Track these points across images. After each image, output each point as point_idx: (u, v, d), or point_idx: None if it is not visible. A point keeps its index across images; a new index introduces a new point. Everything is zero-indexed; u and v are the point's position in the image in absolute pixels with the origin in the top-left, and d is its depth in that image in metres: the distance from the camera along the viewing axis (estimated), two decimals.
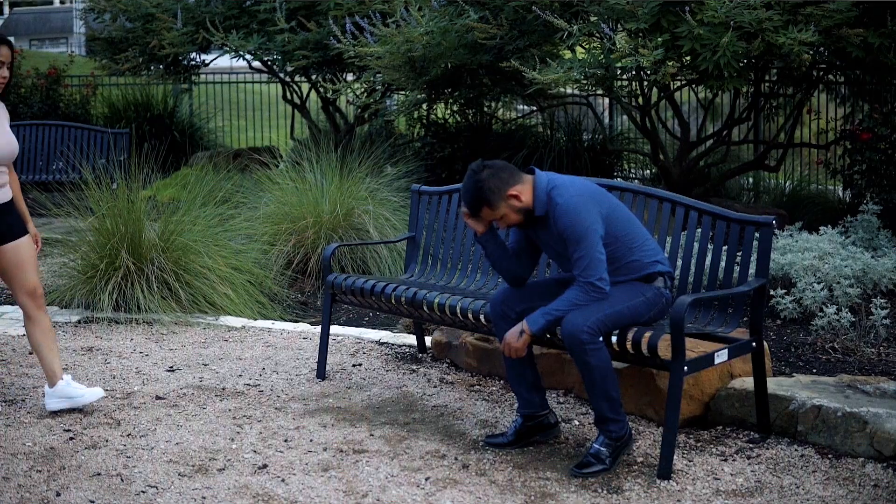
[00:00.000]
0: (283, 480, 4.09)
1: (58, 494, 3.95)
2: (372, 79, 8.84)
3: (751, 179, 10.10)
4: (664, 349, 4.07)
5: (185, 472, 4.18)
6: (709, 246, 4.75)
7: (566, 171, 8.09)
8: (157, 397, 5.12)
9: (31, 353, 5.76)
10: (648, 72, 7.22)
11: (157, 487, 4.02)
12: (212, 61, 11.51)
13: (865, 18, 6.75)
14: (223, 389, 5.26)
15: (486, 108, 10.73)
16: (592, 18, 7.23)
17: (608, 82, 7.62)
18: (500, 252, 4.38)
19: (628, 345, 4.14)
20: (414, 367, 5.60)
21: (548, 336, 4.32)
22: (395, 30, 7.62)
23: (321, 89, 10.35)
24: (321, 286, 6.99)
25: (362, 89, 9.42)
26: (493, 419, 4.77)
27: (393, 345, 6.06)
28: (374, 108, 9.69)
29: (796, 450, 4.31)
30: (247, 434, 4.60)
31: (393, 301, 5.09)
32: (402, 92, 9.13)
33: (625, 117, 10.59)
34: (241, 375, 5.50)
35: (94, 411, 4.87)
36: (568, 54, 7.80)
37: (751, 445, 4.38)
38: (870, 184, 7.76)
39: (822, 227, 6.73)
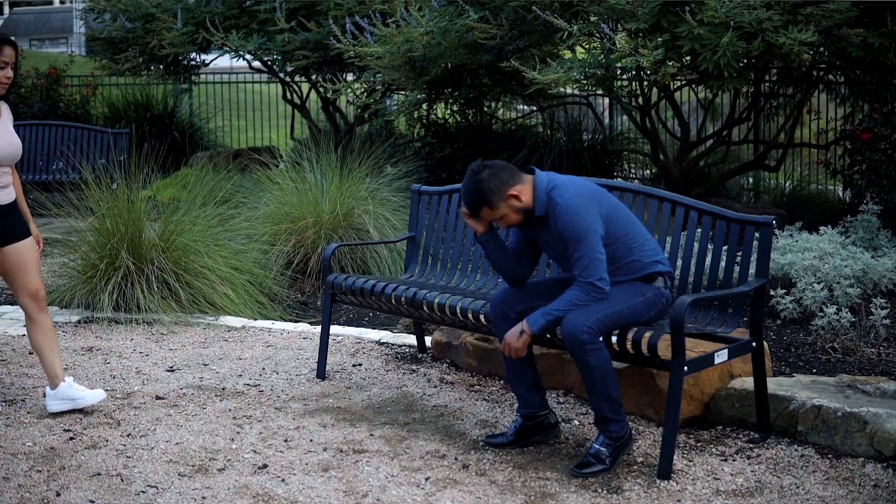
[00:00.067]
0: (283, 480, 4.09)
1: (58, 494, 3.95)
2: (372, 79, 8.84)
3: (751, 179, 10.10)
4: (664, 349, 4.07)
5: (185, 472, 4.18)
6: (709, 246, 4.75)
7: (566, 171, 8.09)
8: (157, 397, 5.12)
9: (31, 353, 5.76)
10: (648, 72, 7.23)
11: (157, 487, 4.02)
12: (212, 61, 11.51)
13: (865, 18, 6.75)
14: (223, 389, 5.26)
15: (486, 108, 10.73)
16: (592, 18, 7.23)
17: (608, 82, 7.61)
18: (500, 252, 4.38)
19: (628, 345, 4.15)
20: (414, 367, 5.60)
21: (548, 336, 4.32)
22: (395, 30, 7.62)
23: (321, 89, 10.35)
24: (321, 286, 6.99)
25: (362, 89, 9.42)
26: (493, 419, 4.77)
27: (393, 345, 6.06)
28: (374, 108, 9.69)
29: (796, 450, 4.31)
30: (247, 434, 4.60)
31: (393, 301, 5.09)
32: (402, 92, 9.13)
33: (625, 117, 10.59)
34: (241, 375, 5.50)
35: (94, 411, 4.87)
36: (568, 54, 7.80)
37: (751, 445, 4.38)
38: (870, 184, 7.76)
39: (822, 227, 6.73)
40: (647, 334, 4.11)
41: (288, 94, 11.25)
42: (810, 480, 4.03)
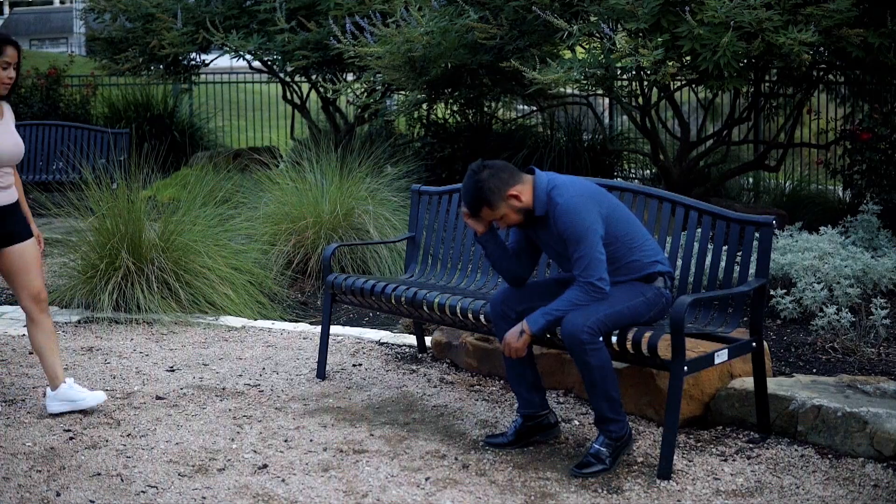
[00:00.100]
0: (283, 480, 4.09)
1: (58, 494, 3.95)
2: (372, 79, 8.84)
3: (751, 179, 10.10)
4: (664, 349, 4.07)
5: (185, 472, 4.18)
6: (709, 246, 4.75)
7: (566, 171, 8.09)
8: (157, 397, 5.12)
9: (31, 353, 5.76)
10: (648, 72, 7.22)
11: (157, 487, 4.02)
12: (212, 61, 11.51)
13: (865, 18, 6.75)
14: (223, 389, 5.26)
15: (486, 108, 10.73)
16: (592, 18, 7.23)
17: (608, 82, 7.61)
18: (500, 252, 4.38)
19: (628, 345, 4.15)
20: (414, 367, 5.60)
21: (548, 336, 4.32)
22: (395, 30, 7.62)
23: (321, 89, 10.35)
24: (321, 286, 6.99)
25: (362, 89, 9.42)
26: (493, 419, 4.77)
27: (393, 345, 6.06)
28: (374, 108, 9.68)
29: (796, 450, 4.31)
30: (247, 434, 4.60)
31: (393, 301, 5.09)
32: (402, 92, 9.13)
33: (625, 117, 10.58)
34: (241, 375, 5.50)
35: (94, 411, 4.86)
36: (568, 54, 7.80)
37: (751, 445, 4.38)
38: (870, 184, 7.76)
39: (822, 227, 6.73)
40: (647, 334, 4.11)
41: (288, 94, 11.25)
42: (810, 480, 4.03)
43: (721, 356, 4.25)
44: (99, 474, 4.15)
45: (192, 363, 5.74)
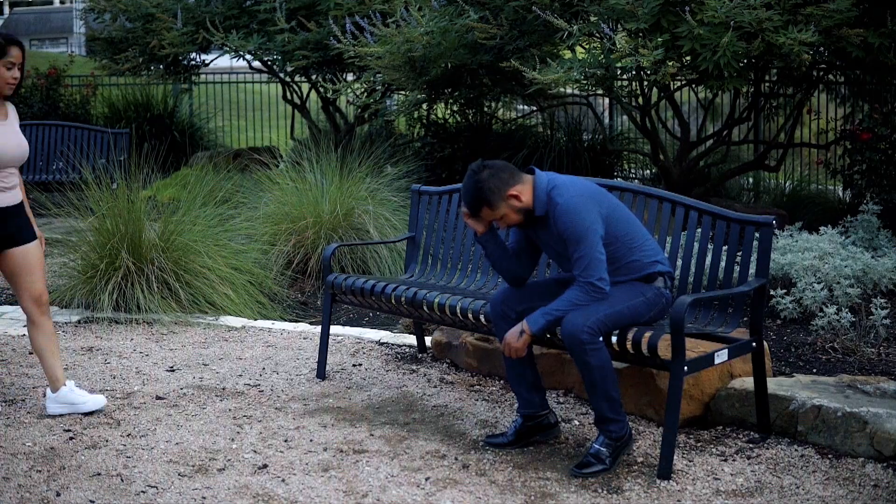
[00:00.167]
0: (283, 480, 4.09)
1: (58, 494, 3.95)
2: (372, 79, 8.83)
3: (751, 179, 10.10)
4: (664, 349, 4.07)
5: (185, 472, 4.18)
6: (709, 246, 4.75)
7: (566, 171, 8.09)
8: (157, 397, 5.12)
9: (31, 353, 5.76)
10: (648, 72, 7.22)
11: (157, 487, 4.02)
12: (212, 61, 11.51)
13: (865, 18, 6.75)
14: (223, 389, 5.26)
15: (486, 108, 10.73)
16: (592, 18, 7.23)
17: (608, 82, 7.61)
18: (500, 252, 4.38)
19: (628, 345, 4.15)
20: (414, 367, 5.60)
21: (548, 336, 4.32)
22: (395, 30, 7.62)
23: (321, 89, 10.34)
24: (321, 286, 6.99)
25: (362, 89, 9.42)
26: (493, 419, 4.77)
27: (393, 345, 6.06)
28: (374, 108, 9.68)
29: (796, 450, 4.31)
30: (247, 434, 4.60)
31: (393, 301, 5.09)
32: (402, 92, 9.13)
33: (625, 117, 10.58)
34: (241, 375, 5.50)
35: (94, 411, 4.86)
36: (568, 54, 7.80)
37: (751, 445, 4.38)
38: (870, 184, 7.76)
39: (822, 227, 6.73)
40: (647, 334, 4.11)
41: (288, 94, 11.25)
42: (810, 480, 4.03)
43: (721, 356, 4.25)
44: (99, 474, 4.15)
45: (192, 363, 5.74)
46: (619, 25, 7.43)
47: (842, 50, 6.78)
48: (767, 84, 8.84)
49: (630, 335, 4.14)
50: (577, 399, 5.00)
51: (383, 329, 6.43)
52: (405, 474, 4.15)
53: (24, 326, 6.14)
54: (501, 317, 4.35)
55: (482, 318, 4.67)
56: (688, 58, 6.79)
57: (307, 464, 4.26)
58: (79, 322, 6.59)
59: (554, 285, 4.39)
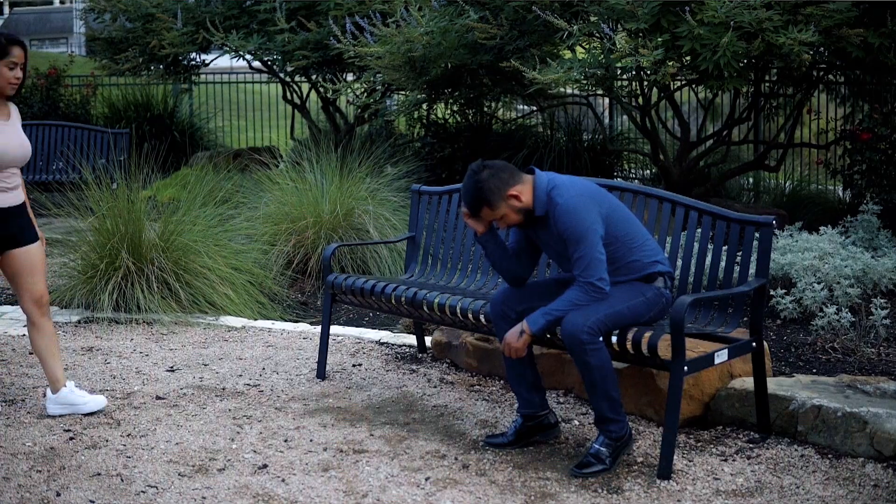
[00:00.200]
0: (283, 480, 4.09)
1: (58, 494, 3.95)
2: (372, 79, 8.83)
3: (751, 179, 10.10)
4: (664, 349, 4.07)
5: (185, 472, 4.18)
6: (709, 246, 4.75)
7: (566, 171, 8.08)
8: (157, 397, 5.12)
9: (31, 353, 5.76)
10: (648, 72, 7.22)
11: (157, 487, 4.02)
12: (212, 61, 11.50)
13: (865, 18, 6.75)
14: (223, 389, 5.26)
15: (486, 108, 10.73)
16: (592, 18, 7.23)
17: (608, 82, 7.61)
18: (500, 252, 4.38)
19: (628, 345, 4.15)
20: (414, 367, 5.60)
21: (548, 336, 4.33)
22: (395, 30, 7.62)
23: (321, 89, 10.34)
24: (321, 286, 6.99)
25: (362, 89, 9.42)
26: (493, 419, 4.77)
27: (393, 345, 6.06)
28: (374, 108, 9.68)
29: (796, 450, 4.31)
30: (247, 434, 4.60)
31: (393, 301, 5.09)
32: (402, 92, 9.13)
33: (625, 117, 10.58)
34: (241, 375, 5.50)
35: (94, 412, 4.86)
36: (568, 54, 7.80)
37: (751, 445, 4.38)
38: (870, 184, 7.76)
39: (822, 227, 6.73)
40: (647, 334, 4.11)
41: (288, 94, 11.25)
42: (810, 480, 4.03)
43: (721, 356, 4.25)
44: (99, 474, 4.15)
45: (192, 363, 5.74)
46: (619, 25, 7.43)
47: (842, 50, 6.78)
48: (767, 84, 8.84)
49: (630, 335, 4.14)
50: (577, 399, 5.00)
51: (383, 329, 6.43)
52: (405, 474, 4.15)
53: (25, 326, 6.14)
54: (501, 317, 4.35)
55: (482, 318, 4.67)
56: (688, 58, 6.79)
57: (307, 464, 4.26)
58: (79, 322, 6.59)
59: (554, 285, 4.39)
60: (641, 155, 10.22)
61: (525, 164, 9.27)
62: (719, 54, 6.34)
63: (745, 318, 4.64)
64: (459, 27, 7.44)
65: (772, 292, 5.90)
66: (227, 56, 10.31)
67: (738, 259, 4.53)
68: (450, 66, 7.95)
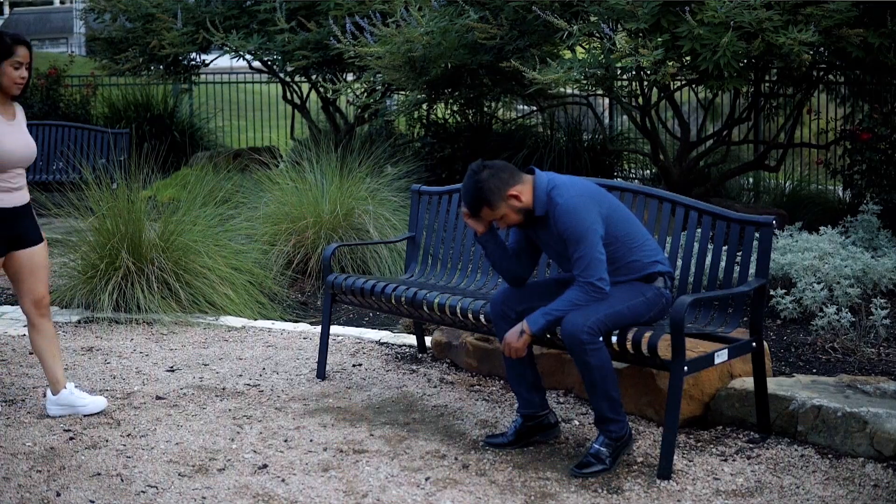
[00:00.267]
0: (283, 480, 4.09)
1: (58, 494, 3.95)
2: (372, 79, 8.83)
3: (751, 179, 10.10)
4: (664, 349, 4.07)
5: (185, 472, 4.18)
6: (709, 246, 4.75)
7: (566, 171, 8.08)
8: (157, 397, 5.12)
9: (31, 353, 5.76)
10: (648, 72, 7.22)
11: (157, 487, 4.02)
12: (212, 61, 11.50)
13: (865, 18, 6.75)
14: (223, 389, 5.26)
15: (486, 108, 10.73)
16: (592, 18, 7.23)
17: (608, 82, 7.61)
18: (500, 252, 4.38)
19: (628, 345, 4.15)
20: (414, 367, 5.60)
21: (548, 336, 4.33)
22: (395, 30, 7.62)
23: (321, 89, 10.34)
24: (321, 286, 6.99)
25: (362, 89, 9.42)
26: (493, 419, 4.77)
27: (393, 345, 6.06)
28: (374, 108, 9.68)
29: (796, 450, 4.31)
30: (247, 434, 4.60)
31: (393, 301, 5.09)
32: (402, 92, 9.13)
33: (625, 117, 10.58)
34: (241, 375, 5.50)
35: (93, 413, 4.86)
36: (568, 54, 7.80)
37: (751, 445, 4.38)
38: (870, 184, 7.76)
39: (822, 227, 6.73)
40: (647, 334, 4.11)
41: (288, 94, 11.25)
42: (810, 480, 4.03)
43: (721, 356, 4.25)
44: (99, 474, 4.15)
45: (192, 363, 5.74)
46: (619, 25, 7.43)
47: (842, 50, 6.78)
48: (767, 84, 8.84)
49: (630, 335, 4.14)
50: (577, 399, 5.00)
51: (383, 329, 6.43)
52: (405, 474, 4.15)
53: (25, 326, 6.14)
54: (501, 317, 4.35)
55: (482, 318, 4.67)
56: (688, 58, 6.79)
57: (307, 464, 4.26)
58: (79, 322, 6.59)
59: (554, 285, 4.39)
60: (641, 155, 10.22)
61: (525, 164, 9.27)
62: (719, 54, 6.34)
63: (745, 318, 4.64)
64: (459, 27, 7.44)
65: (772, 292, 5.90)
66: (227, 56, 10.31)
67: (738, 259, 4.53)
68: (450, 66, 7.95)
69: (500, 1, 7.46)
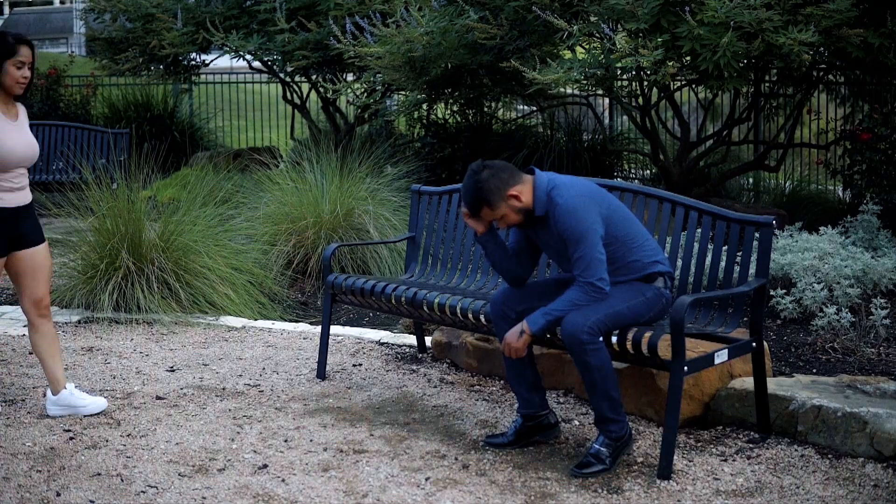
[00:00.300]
0: (283, 480, 4.09)
1: (58, 494, 3.95)
2: (372, 79, 8.83)
3: (751, 179, 10.10)
4: (664, 349, 4.07)
5: (185, 472, 4.18)
6: (709, 246, 4.75)
7: (566, 171, 8.09)
8: (158, 397, 5.12)
9: (30, 353, 5.76)
10: (648, 72, 7.22)
11: (157, 487, 4.02)
12: (212, 61, 11.50)
13: (865, 18, 6.75)
14: (223, 389, 5.26)
15: (486, 109, 10.73)
16: (592, 18, 7.23)
17: (608, 82, 7.61)
18: (500, 252, 4.38)
19: (628, 345, 4.15)
20: (414, 367, 5.60)
21: (548, 336, 4.33)
22: (395, 30, 7.62)
23: (321, 89, 10.34)
24: (321, 286, 6.99)
25: (362, 89, 9.42)
26: (493, 419, 4.77)
27: (393, 345, 6.06)
28: (374, 108, 9.68)
29: (796, 450, 4.31)
30: (247, 434, 4.60)
31: (393, 301, 5.09)
32: (402, 92, 9.13)
33: (625, 117, 10.58)
34: (241, 375, 5.50)
35: (93, 413, 4.86)
36: (568, 54, 7.80)
37: (751, 445, 4.38)
38: (870, 184, 7.76)
39: (822, 227, 6.73)
40: (647, 334, 4.11)
41: (288, 94, 11.25)
42: (810, 480, 4.03)
43: (721, 356, 4.25)
44: (99, 474, 4.15)
45: (192, 363, 5.74)
46: (619, 25, 7.43)
47: (842, 50, 6.78)
48: (767, 84, 8.84)
49: (630, 335, 4.14)
50: (577, 399, 5.00)
51: (383, 329, 6.43)
52: (405, 474, 4.15)
53: (25, 326, 6.14)
54: (501, 317, 4.35)
55: (482, 318, 4.67)
56: (688, 58, 6.79)
57: (307, 464, 4.26)
58: (79, 322, 6.59)
59: (554, 285, 4.39)
60: (641, 155, 10.22)
61: (525, 164, 9.27)
62: (719, 54, 6.34)
63: (745, 318, 4.64)
64: (459, 27, 7.44)
65: (772, 292, 5.90)
66: (227, 56, 10.31)
67: (738, 259, 4.53)
68: (450, 66, 7.95)
69: (500, 1, 7.46)
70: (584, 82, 7.60)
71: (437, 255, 5.63)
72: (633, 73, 7.46)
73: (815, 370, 5.16)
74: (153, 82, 12.49)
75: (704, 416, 4.66)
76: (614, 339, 4.16)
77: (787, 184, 10.05)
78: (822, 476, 4.07)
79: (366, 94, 9.31)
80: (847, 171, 8.12)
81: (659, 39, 6.66)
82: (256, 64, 11.01)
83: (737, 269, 4.53)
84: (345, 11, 8.86)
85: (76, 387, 4.98)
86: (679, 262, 4.84)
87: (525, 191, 4.18)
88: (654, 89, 8.43)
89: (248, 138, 14.30)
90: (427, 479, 4.09)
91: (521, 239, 4.40)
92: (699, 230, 4.77)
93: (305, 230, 7.41)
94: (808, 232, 6.84)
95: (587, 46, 7.37)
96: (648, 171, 10.50)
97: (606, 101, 11.47)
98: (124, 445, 4.46)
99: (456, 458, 4.30)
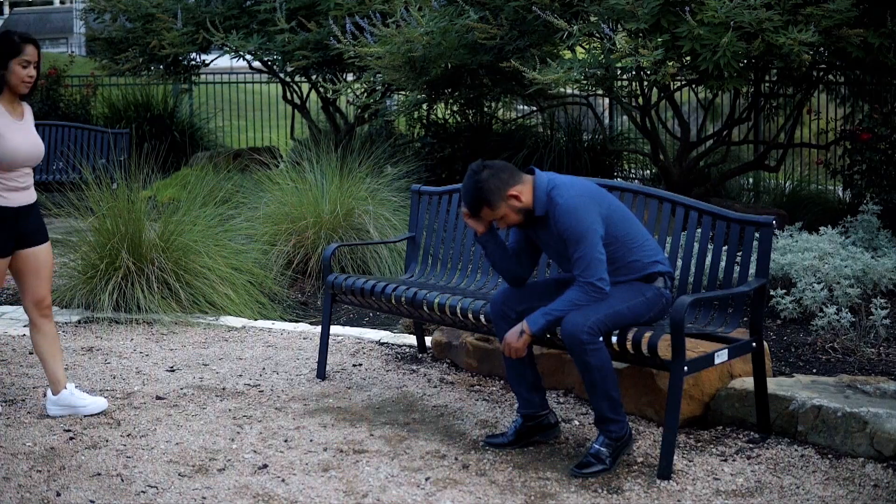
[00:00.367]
0: (283, 480, 4.09)
1: (58, 494, 3.95)
2: (372, 79, 8.83)
3: (751, 179, 10.09)
4: (664, 349, 4.07)
5: (185, 472, 4.18)
6: (709, 246, 4.75)
7: (566, 172, 8.09)
8: (158, 397, 5.12)
9: (31, 353, 5.77)
10: (648, 72, 7.22)
11: (157, 487, 4.02)
12: (212, 61, 11.50)
13: (865, 18, 6.75)
14: (223, 389, 5.26)
15: (486, 109, 10.73)
16: (592, 18, 7.23)
17: (608, 82, 7.61)
18: (500, 252, 4.38)
19: (628, 345, 4.15)
20: (414, 367, 5.60)
21: (548, 336, 4.33)
22: (395, 30, 7.62)
23: (321, 89, 10.34)
24: (321, 286, 6.99)
25: (362, 89, 9.42)
26: (493, 419, 4.77)
27: (393, 345, 6.06)
28: (374, 108, 9.68)
29: (796, 450, 4.31)
30: (247, 434, 4.61)
31: (393, 301, 5.09)
32: (402, 92, 9.13)
33: (625, 117, 10.58)
34: (241, 375, 5.50)
35: (94, 413, 4.86)
36: (568, 54, 7.79)
37: (751, 445, 4.38)
38: (870, 184, 7.76)
39: (822, 227, 6.73)
40: (647, 334, 4.11)
41: (288, 94, 11.25)
42: (810, 480, 4.03)
43: (721, 356, 4.25)
44: (99, 474, 4.15)
45: (192, 363, 5.74)
46: (619, 25, 7.43)
47: (842, 50, 6.78)
48: (767, 84, 8.84)
49: (630, 335, 4.14)
50: (577, 399, 5.00)
51: (383, 329, 6.43)
52: (405, 474, 4.15)
53: (25, 326, 6.15)
54: (501, 317, 4.35)
55: (482, 318, 4.67)
56: (688, 58, 6.79)
57: (307, 464, 4.26)
58: (79, 322, 6.59)
59: (554, 285, 4.39)
60: (641, 155, 10.22)
61: (525, 164, 9.27)
62: (719, 54, 6.34)
63: (745, 318, 4.64)
64: (459, 27, 7.44)
65: (772, 292, 5.90)
66: (227, 56, 10.30)
67: (738, 259, 4.53)
68: (450, 66, 7.95)
69: (500, 1, 7.46)
70: (584, 82, 7.60)
71: (437, 255, 5.63)
72: (633, 73, 7.46)
73: (815, 370, 5.16)
74: (153, 82, 12.49)
75: (704, 416, 4.66)
76: (614, 339, 4.16)
77: (787, 184, 10.05)
78: (822, 476, 4.07)
79: (366, 94, 9.31)
80: (847, 171, 8.12)
81: (659, 39, 6.66)
82: (256, 64, 11.01)
83: (737, 269, 4.53)
84: (345, 11, 8.85)
85: (76, 387, 4.99)
86: (679, 262, 4.84)
87: (525, 191, 4.18)
88: (654, 89, 8.43)
89: (248, 138, 14.29)
90: (427, 479, 4.09)
91: (521, 239, 4.40)
92: (699, 230, 4.77)
93: (305, 230, 7.41)
94: (808, 232, 6.83)
95: (587, 46, 7.37)
96: (648, 171, 10.50)
97: (606, 101, 11.47)
98: (124, 445, 4.46)
99: (456, 458, 4.30)
